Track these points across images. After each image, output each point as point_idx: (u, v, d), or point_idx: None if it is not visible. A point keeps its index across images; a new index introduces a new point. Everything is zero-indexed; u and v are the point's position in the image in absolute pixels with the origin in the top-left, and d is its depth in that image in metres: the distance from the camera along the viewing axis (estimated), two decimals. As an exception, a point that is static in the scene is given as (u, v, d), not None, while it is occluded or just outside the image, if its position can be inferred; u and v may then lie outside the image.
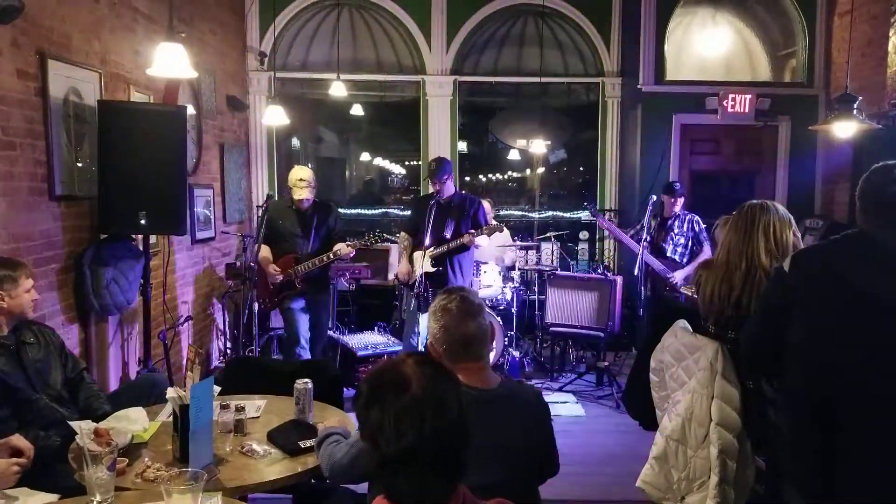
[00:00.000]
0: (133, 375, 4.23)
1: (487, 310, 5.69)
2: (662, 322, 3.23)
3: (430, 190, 5.28)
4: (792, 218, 2.72)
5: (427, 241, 4.92)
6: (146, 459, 2.14)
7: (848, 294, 1.97)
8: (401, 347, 5.70)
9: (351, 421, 2.67)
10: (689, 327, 2.84)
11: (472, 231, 4.95)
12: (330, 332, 5.91)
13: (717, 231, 2.79)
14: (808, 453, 2.05)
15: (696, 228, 5.73)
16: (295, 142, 8.52)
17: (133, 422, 2.38)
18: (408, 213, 7.70)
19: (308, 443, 2.32)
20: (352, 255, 4.89)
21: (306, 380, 2.58)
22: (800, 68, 6.97)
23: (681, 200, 5.75)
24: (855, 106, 3.83)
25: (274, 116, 5.34)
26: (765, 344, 2.26)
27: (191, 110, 5.50)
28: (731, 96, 6.68)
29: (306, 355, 4.92)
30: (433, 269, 4.98)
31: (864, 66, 5.99)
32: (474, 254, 5.32)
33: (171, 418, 2.38)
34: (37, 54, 3.54)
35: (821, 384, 2.02)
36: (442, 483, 1.32)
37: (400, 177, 11.81)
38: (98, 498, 1.87)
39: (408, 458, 1.27)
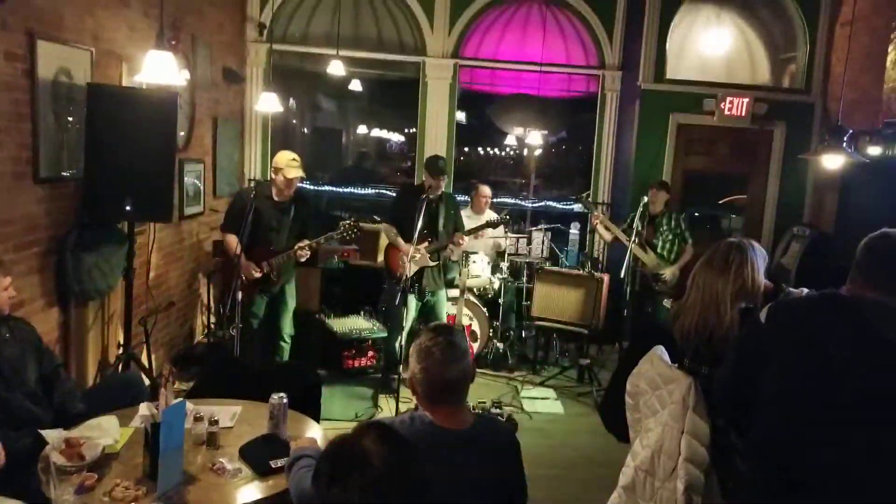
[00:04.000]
0: (112, 360, 4.23)
1: (473, 300, 5.82)
2: (643, 342, 3.27)
3: (421, 182, 5.31)
4: (766, 257, 2.73)
5: (419, 236, 4.91)
6: (116, 480, 2.15)
7: (820, 358, 1.98)
8: (385, 335, 5.75)
9: (325, 438, 2.70)
10: (666, 356, 2.87)
11: (460, 234, 5.25)
12: (315, 314, 5.93)
13: (694, 269, 2.79)
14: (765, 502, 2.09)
15: (682, 226, 5.80)
16: (292, 104, 8.43)
17: (105, 432, 2.39)
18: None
19: (279, 462, 2.34)
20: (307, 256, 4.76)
21: (282, 394, 2.59)
22: (799, 74, 6.92)
23: (663, 195, 5.77)
24: (845, 138, 3.82)
25: (268, 103, 5.24)
26: (736, 392, 2.29)
27: (185, 79, 5.41)
28: (728, 99, 6.66)
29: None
30: (434, 263, 5.19)
31: (862, 78, 5.95)
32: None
33: (143, 425, 2.40)
34: (26, 34, 3.45)
35: (782, 440, 2.05)
36: None
37: (399, 143, 11.75)
38: (65, 520, 1.89)
39: None
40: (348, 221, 4.78)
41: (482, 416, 2.12)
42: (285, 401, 2.59)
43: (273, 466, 2.34)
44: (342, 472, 1.31)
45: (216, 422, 2.53)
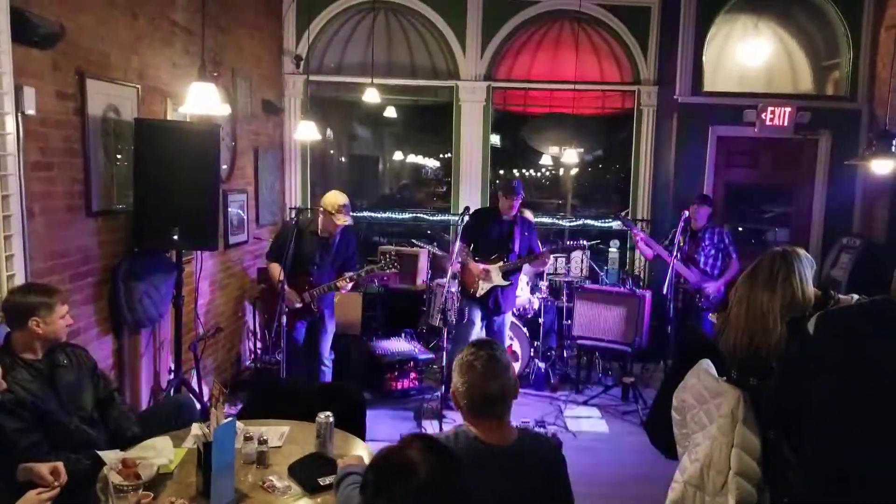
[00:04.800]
0: (164, 385, 4.34)
1: (514, 320, 5.81)
2: (688, 356, 3.22)
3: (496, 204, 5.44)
4: (814, 264, 2.66)
5: (493, 257, 5.25)
6: (171, 498, 2.20)
7: (870, 366, 1.94)
8: (429, 356, 5.80)
9: (371, 456, 2.72)
10: (713, 368, 2.82)
11: (545, 251, 5.37)
12: (357, 338, 6.00)
13: (738, 282, 2.75)
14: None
15: (726, 241, 5.70)
16: (329, 133, 8.61)
17: (159, 453, 2.46)
18: (439, 217, 7.80)
19: (327, 480, 2.37)
20: (349, 288, 4.85)
21: (328, 413, 2.63)
22: (843, 81, 6.79)
23: (705, 210, 5.68)
24: (894, 143, 3.75)
25: (306, 132, 5.37)
26: (786, 404, 2.24)
27: (227, 113, 5.59)
28: (769, 109, 6.56)
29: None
30: (507, 283, 5.27)
31: (909, 82, 5.81)
32: None
33: (196, 445, 2.46)
34: (76, 75, 3.62)
35: (836, 450, 2.00)
36: None
37: (434, 169, 11.83)
38: (122, 538, 1.94)
39: None
40: (388, 254, 4.85)
41: (527, 432, 2.12)
42: (331, 420, 2.63)
43: (322, 484, 2.37)
44: (388, 481, 1.33)
45: (265, 441, 2.58)
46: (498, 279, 5.21)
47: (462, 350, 2.09)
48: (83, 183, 3.74)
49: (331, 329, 5.07)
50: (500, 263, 5.22)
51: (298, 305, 4.76)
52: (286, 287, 4.58)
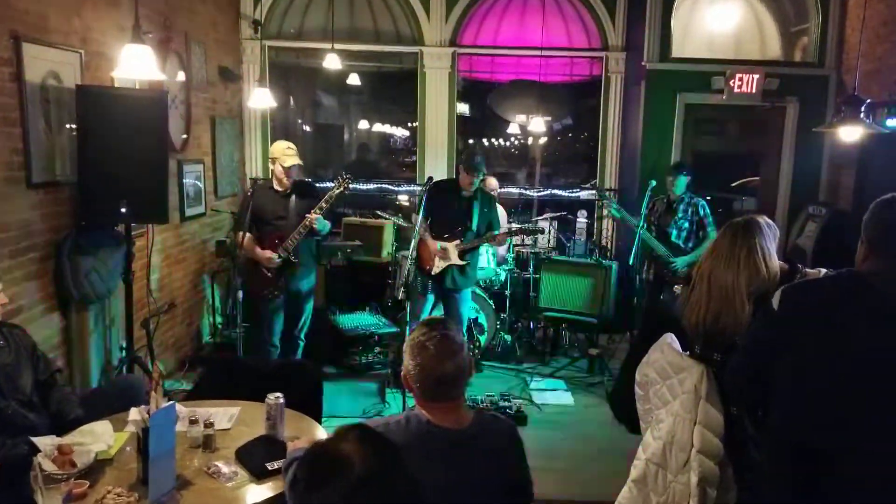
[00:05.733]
0: (115, 363, 4.19)
1: (479, 292, 5.72)
2: (653, 330, 3.17)
3: (447, 177, 5.28)
4: (777, 234, 2.59)
5: (451, 233, 5.03)
6: (108, 487, 2.09)
7: (838, 338, 1.89)
8: (394, 329, 5.70)
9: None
10: (677, 343, 2.77)
11: (502, 233, 5.14)
12: (320, 311, 5.88)
13: (701, 258, 2.68)
14: (785, 492, 2.00)
15: (701, 213, 5.54)
16: (291, 102, 8.37)
17: (97, 438, 2.33)
18: (406, 188, 7.65)
19: (276, 464, 2.27)
20: (319, 218, 4.58)
21: (278, 394, 2.52)
22: (811, 47, 6.73)
23: (683, 179, 5.56)
24: (862, 109, 3.67)
25: (261, 100, 5.16)
26: (750, 379, 2.19)
27: (180, 79, 5.38)
28: (737, 76, 6.48)
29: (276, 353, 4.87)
30: (463, 262, 5.04)
31: (878, 47, 5.77)
32: None
33: (136, 430, 2.34)
34: (11, 38, 3.40)
35: (802, 425, 1.96)
36: None
37: (403, 138, 11.62)
38: (52, 531, 1.83)
39: None
40: (341, 175, 4.73)
41: (482, 414, 2.03)
42: (282, 401, 2.52)
43: (269, 468, 2.27)
44: (321, 478, 1.23)
45: (212, 424, 2.46)
46: (454, 258, 5.02)
47: (413, 329, 1.99)
48: (23, 153, 3.54)
49: (309, 309, 4.97)
50: (457, 242, 5.02)
51: (278, 261, 4.63)
52: (259, 250, 4.55)
